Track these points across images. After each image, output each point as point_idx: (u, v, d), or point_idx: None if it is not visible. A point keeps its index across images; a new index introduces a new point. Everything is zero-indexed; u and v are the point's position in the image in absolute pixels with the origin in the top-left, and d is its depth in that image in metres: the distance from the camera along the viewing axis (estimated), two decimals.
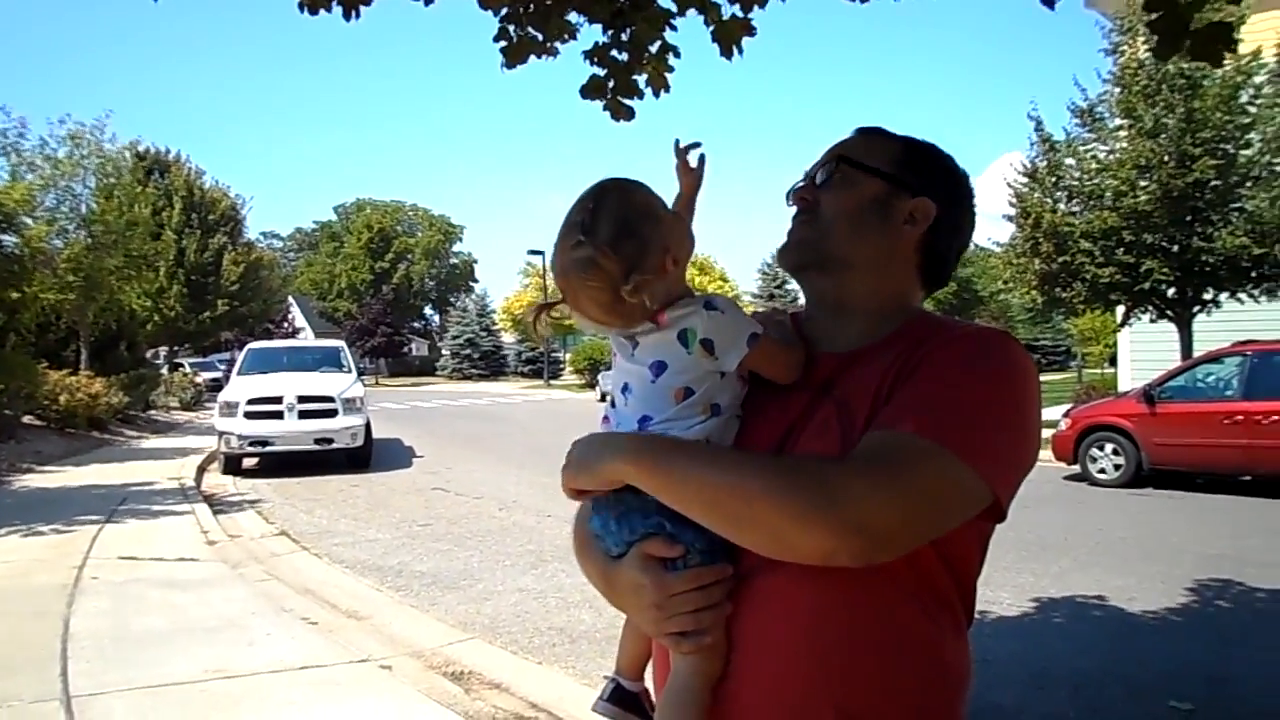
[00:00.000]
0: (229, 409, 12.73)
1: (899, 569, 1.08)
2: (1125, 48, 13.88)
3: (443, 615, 5.82)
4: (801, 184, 1.28)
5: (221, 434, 12.69)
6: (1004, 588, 5.99)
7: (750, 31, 3.19)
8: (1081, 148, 14.71)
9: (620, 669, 1.30)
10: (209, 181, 35.09)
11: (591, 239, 1.13)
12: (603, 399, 30.03)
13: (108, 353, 21.84)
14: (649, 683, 1.30)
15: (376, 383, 45.91)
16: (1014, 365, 1.12)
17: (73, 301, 18.63)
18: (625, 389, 1.21)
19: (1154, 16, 2.45)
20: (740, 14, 3.22)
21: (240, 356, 15.55)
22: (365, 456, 13.33)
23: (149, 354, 31.03)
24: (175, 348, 35.48)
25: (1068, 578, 6.39)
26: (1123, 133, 14.04)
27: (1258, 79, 13.10)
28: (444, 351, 61.28)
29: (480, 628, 5.52)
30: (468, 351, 56.07)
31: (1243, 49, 12.68)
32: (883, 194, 1.22)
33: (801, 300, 1.33)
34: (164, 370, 29.34)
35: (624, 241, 1.13)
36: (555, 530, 8.30)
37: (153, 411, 23.00)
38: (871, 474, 1.01)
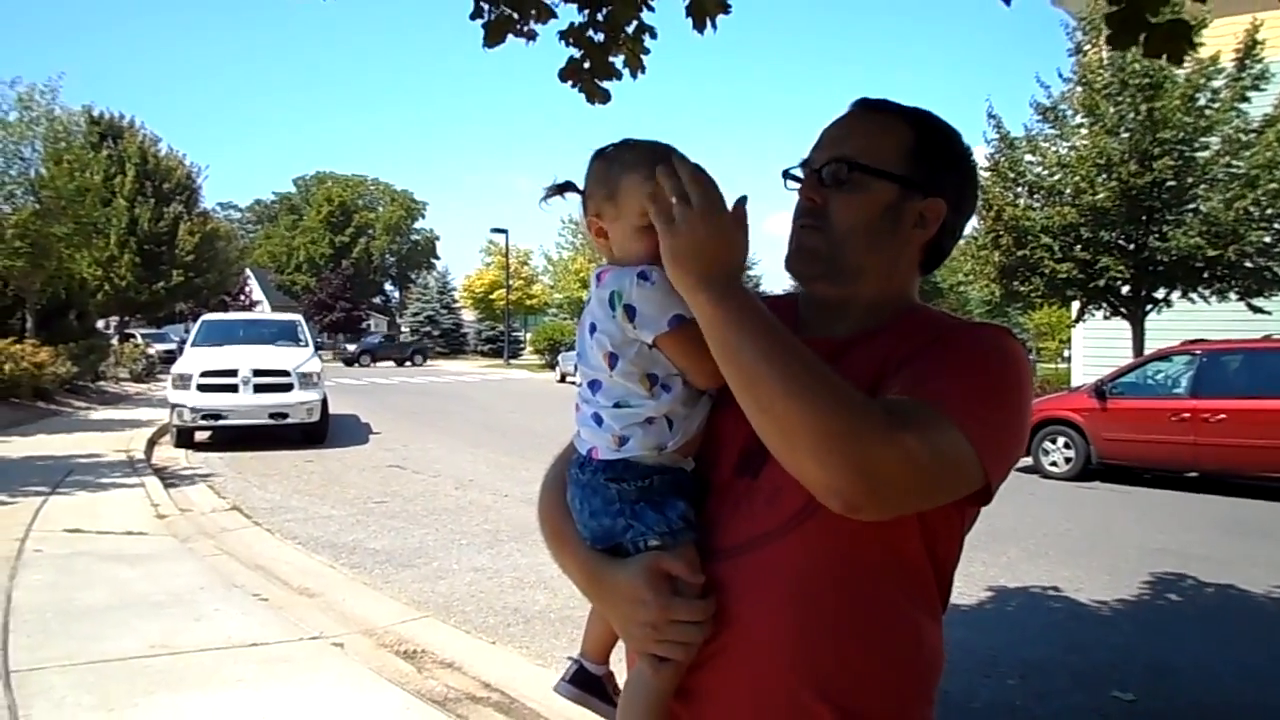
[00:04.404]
0: (182, 381, 12.51)
1: (885, 558, 1.10)
2: (1088, 47, 14.06)
3: (396, 593, 5.76)
4: (804, 176, 1.21)
5: (174, 406, 12.48)
6: (955, 575, 6.07)
7: (725, 8, 3.17)
8: (1043, 143, 14.89)
9: (585, 651, 1.29)
10: (164, 149, 34.30)
11: (619, 148, 1.18)
12: (562, 380, 29.94)
13: (55, 321, 21.32)
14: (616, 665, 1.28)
15: (334, 358, 45.41)
16: (1018, 361, 1.13)
17: (20, 268, 18.13)
18: (581, 356, 1.22)
19: (1114, 8, 2.48)
20: None
21: (194, 328, 15.27)
22: (321, 432, 13.19)
23: (100, 324, 30.34)
24: (127, 318, 34.76)
25: (1017, 568, 6.50)
26: (1084, 130, 14.23)
27: (1215, 83, 13.33)
28: (403, 328, 60.72)
29: (434, 606, 5.48)
30: (427, 329, 55.66)
31: (1203, 52, 12.94)
32: (895, 199, 1.17)
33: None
34: (114, 341, 28.70)
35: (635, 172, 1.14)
36: (512, 510, 8.27)
37: (102, 382, 22.50)
38: (898, 430, 0.98)
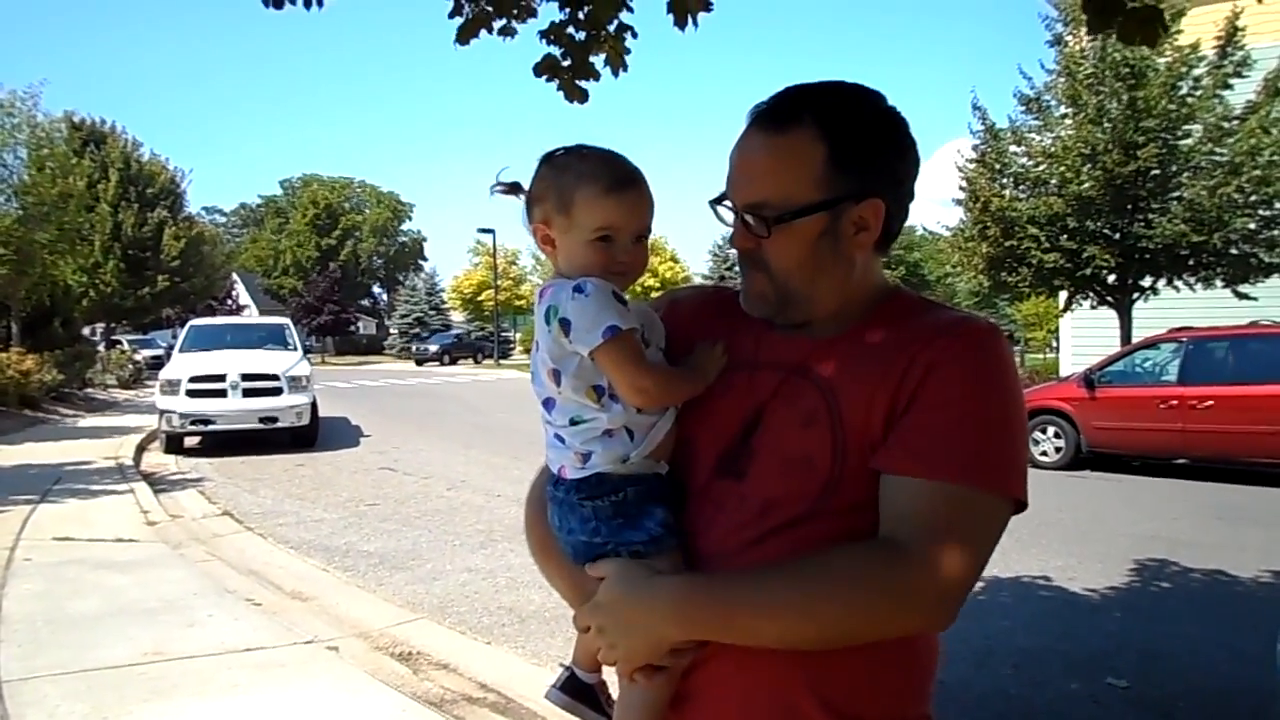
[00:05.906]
0: (170, 387, 12.46)
1: None
2: (1069, 38, 14.12)
3: (390, 595, 5.75)
4: (733, 215, 1.14)
5: (163, 412, 12.42)
6: None
7: (707, 6, 3.16)
8: (1027, 134, 14.95)
9: (577, 659, 1.27)
10: (147, 154, 34.13)
11: (570, 155, 1.16)
12: None
13: (41, 329, 21.21)
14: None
15: (323, 361, 45.23)
16: (1010, 370, 1.12)
17: (3, 276, 18.00)
18: (534, 376, 1.21)
19: None
20: None
21: (182, 333, 15.19)
22: (311, 435, 13.13)
23: (85, 331, 30.17)
24: (113, 324, 34.58)
25: (1009, 557, 6.51)
26: (1068, 120, 14.29)
27: (1196, 71, 13.40)
28: (392, 330, 60.53)
29: (428, 608, 5.47)
30: (416, 330, 55.49)
31: (1183, 40, 13.02)
32: (826, 224, 1.10)
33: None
34: (101, 347, 28.54)
35: (562, 177, 1.15)
36: (504, 510, 8.25)
37: (90, 390, 22.38)
38: (945, 552, 1.01)
